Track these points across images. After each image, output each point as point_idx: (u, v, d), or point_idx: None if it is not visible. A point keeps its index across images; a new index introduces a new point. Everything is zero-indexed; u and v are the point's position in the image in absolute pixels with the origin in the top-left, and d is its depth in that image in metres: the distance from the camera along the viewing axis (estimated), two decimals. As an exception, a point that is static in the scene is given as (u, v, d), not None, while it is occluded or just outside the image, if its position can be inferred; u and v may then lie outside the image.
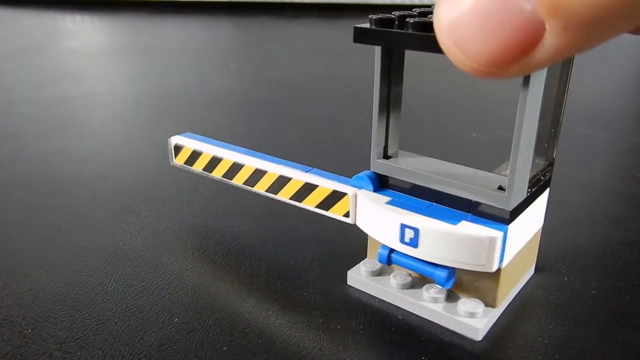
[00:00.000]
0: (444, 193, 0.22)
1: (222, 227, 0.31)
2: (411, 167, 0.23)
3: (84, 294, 0.25)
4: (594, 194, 0.36)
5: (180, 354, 0.21)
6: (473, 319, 0.22)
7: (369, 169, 0.24)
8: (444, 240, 0.21)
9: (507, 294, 0.23)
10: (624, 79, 0.70)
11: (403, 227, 0.22)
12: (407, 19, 0.19)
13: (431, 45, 0.17)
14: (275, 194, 0.27)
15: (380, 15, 0.20)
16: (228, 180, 0.29)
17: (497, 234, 0.20)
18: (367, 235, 0.25)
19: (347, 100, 0.58)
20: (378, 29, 0.20)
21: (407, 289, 0.24)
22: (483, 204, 0.21)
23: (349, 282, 0.25)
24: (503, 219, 0.21)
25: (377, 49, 0.22)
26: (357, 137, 0.46)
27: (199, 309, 0.24)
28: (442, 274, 0.22)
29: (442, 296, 0.23)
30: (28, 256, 0.28)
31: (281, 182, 0.26)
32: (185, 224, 0.31)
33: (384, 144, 0.24)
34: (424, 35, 0.19)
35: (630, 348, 0.22)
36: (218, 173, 0.29)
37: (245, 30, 1.05)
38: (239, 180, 0.28)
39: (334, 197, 0.25)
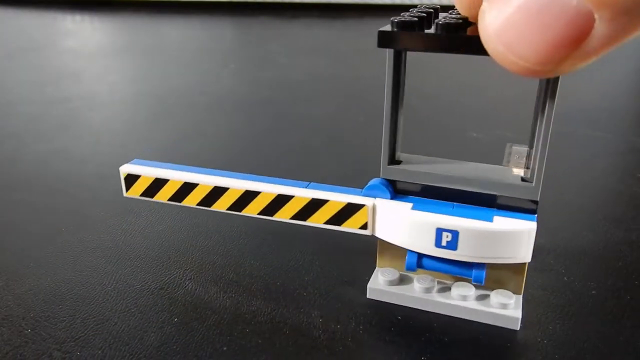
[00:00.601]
0: (464, 191, 0.22)
1: (222, 227, 0.31)
2: (428, 169, 0.23)
3: (84, 294, 0.25)
4: (594, 194, 0.36)
5: (180, 354, 0.21)
6: (509, 310, 0.22)
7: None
8: (484, 238, 0.21)
9: None
10: (624, 79, 0.70)
11: (439, 231, 0.21)
12: (436, 21, 0.19)
13: (474, 46, 0.17)
14: (271, 216, 0.25)
15: (405, 18, 0.19)
16: (205, 208, 0.26)
17: (533, 225, 0.21)
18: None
19: (347, 100, 0.58)
20: (417, 32, 0.19)
21: (435, 292, 0.24)
22: (504, 197, 0.21)
23: (368, 296, 0.25)
24: (530, 209, 0.21)
25: (389, 52, 0.21)
26: (357, 137, 0.46)
27: (199, 309, 0.24)
28: (480, 271, 0.22)
29: (472, 293, 0.23)
30: (28, 256, 0.28)
31: (279, 201, 0.24)
32: (185, 224, 0.31)
33: (393, 149, 0.23)
34: (466, 37, 0.18)
35: (630, 348, 0.22)
36: (191, 201, 0.26)
37: (245, 30, 1.05)
38: (220, 206, 0.25)
39: (348, 211, 0.23)
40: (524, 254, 0.21)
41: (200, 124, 0.51)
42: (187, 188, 0.26)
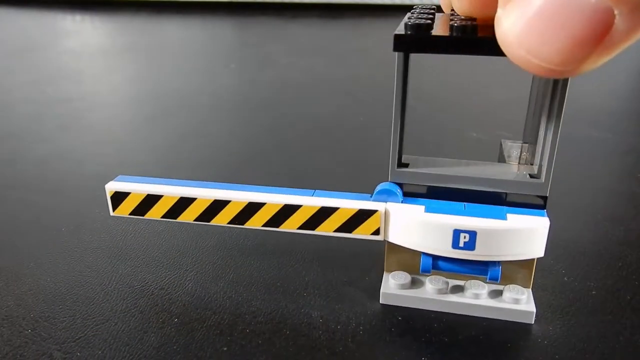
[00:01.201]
0: (474, 191, 0.22)
1: (222, 227, 0.31)
2: (438, 171, 0.23)
3: (84, 294, 0.25)
4: (594, 194, 0.36)
5: (180, 354, 0.21)
6: (522, 305, 0.23)
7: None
8: (502, 237, 0.21)
9: None
10: (624, 79, 0.70)
11: (457, 232, 0.21)
12: (450, 24, 0.19)
13: (492, 48, 0.17)
14: (277, 227, 0.24)
15: (421, 22, 0.19)
16: (205, 223, 0.25)
17: (546, 220, 0.21)
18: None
19: (347, 101, 0.58)
20: (435, 35, 0.19)
21: (448, 292, 0.24)
22: (513, 194, 0.22)
23: (381, 301, 0.24)
24: (539, 205, 0.22)
25: (399, 55, 0.20)
26: (358, 137, 0.46)
27: (199, 309, 0.24)
28: (496, 269, 0.22)
29: (485, 290, 0.23)
30: (28, 256, 0.28)
31: (286, 211, 0.23)
32: (185, 224, 0.31)
33: (401, 152, 0.23)
34: (483, 39, 0.18)
35: (630, 348, 0.22)
36: (188, 217, 0.25)
37: (245, 30, 1.04)
38: (221, 220, 0.24)
39: (359, 217, 0.23)
40: (538, 249, 0.22)
41: (200, 124, 0.51)
42: (184, 203, 0.24)
